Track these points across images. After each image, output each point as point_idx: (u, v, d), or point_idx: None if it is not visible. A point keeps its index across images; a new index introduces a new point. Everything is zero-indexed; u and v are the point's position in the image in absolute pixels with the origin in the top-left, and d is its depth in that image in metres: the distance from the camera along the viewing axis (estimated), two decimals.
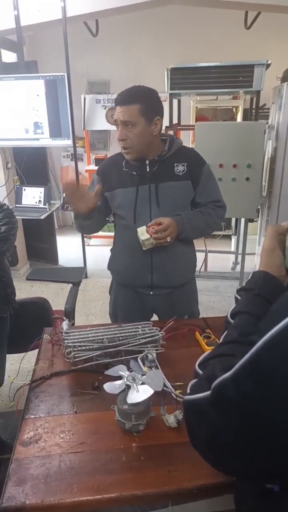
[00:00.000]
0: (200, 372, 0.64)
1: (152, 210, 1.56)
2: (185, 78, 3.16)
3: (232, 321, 0.72)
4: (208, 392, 0.55)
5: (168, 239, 1.48)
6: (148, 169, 1.55)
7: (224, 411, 0.53)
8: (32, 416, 1.10)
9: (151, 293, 1.67)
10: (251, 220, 3.59)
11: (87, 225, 1.62)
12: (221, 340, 0.70)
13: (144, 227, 1.51)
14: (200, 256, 3.83)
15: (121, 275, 1.73)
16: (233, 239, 4.44)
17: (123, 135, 1.46)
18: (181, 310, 1.70)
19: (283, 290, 0.74)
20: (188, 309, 1.75)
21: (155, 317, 1.82)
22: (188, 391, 0.63)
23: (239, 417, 0.51)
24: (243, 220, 3.56)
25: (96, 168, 1.51)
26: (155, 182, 1.54)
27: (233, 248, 4.38)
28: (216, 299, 3.54)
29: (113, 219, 1.76)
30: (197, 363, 0.68)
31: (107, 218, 1.72)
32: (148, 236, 1.48)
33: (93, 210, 1.54)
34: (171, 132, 3.52)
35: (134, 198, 1.55)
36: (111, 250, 1.78)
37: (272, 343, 0.48)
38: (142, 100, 1.42)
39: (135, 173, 1.56)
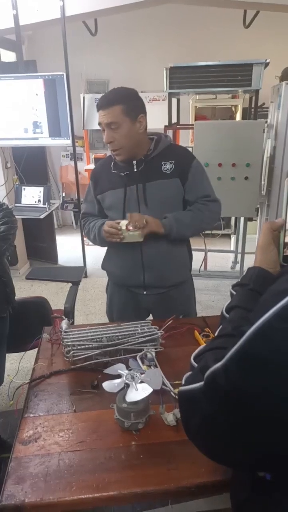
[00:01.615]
0: (195, 365, 0.65)
1: (141, 210, 1.55)
2: (184, 77, 3.16)
3: (227, 315, 0.73)
4: (202, 383, 0.57)
5: (144, 220, 1.47)
6: (135, 169, 1.55)
7: (215, 400, 0.54)
8: (32, 415, 1.10)
9: (145, 292, 1.67)
10: (250, 219, 3.60)
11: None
12: (216, 334, 0.71)
13: (125, 221, 1.52)
14: (199, 255, 3.85)
15: (115, 274, 1.74)
16: (233, 238, 4.44)
17: (110, 138, 1.46)
18: (176, 310, 1.63)
19: None
20: (183, 310, 1.73)
21: (150, 317, 1.82)
22: (183, 382, 0.64)
23: (230, 405, 0.52)
24: (242, 219, 3.56)
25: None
26: (142, 182, 1.54)
27: (232, 247, 4.38)
28: (215, 298, 3.55)
29: None
30: (192, 356, 0.69)
31: None
32: (125, 228, 1.50)
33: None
34: (170, 131, 3.52)
35: (122, 198, 1.56)
36: (106, 249, 1.79)
37: (259, 333, 0.48)
38: (123, 100, 1.43)
39: (123, 174, 1.56)
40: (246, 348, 0.50)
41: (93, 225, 1.67)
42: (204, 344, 0.71)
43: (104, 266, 1.78)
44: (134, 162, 1.54)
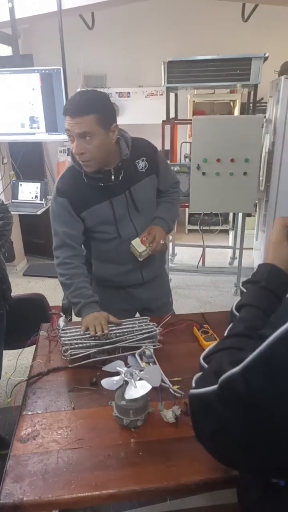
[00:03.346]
0: (205, 365, 0.64)
1: (132, 216, 1.52)
2: (182, 71, 3.13)
3: (237, 314, 0.71)
4: (215, 386, 0.55)
5: (162, 242, 1.50)
6: (113, 177, 1.44)
7: (232, 406, 0.53)
8: (30, 413, 1.09)
9: (140, 288, 1.67)
10: (249, 215, 3.59)
11: None
12: (226, 333, 0.69)
13: (138, 239, 1.51)
14: (198, 251, 3.84)
15: (111, 281, 1.64)
16: (231, 233, 4.43)
17: (82, 149, 1.31)
18: (165, 293, 1.79)
19: None
20: (167, 291, 1.83)
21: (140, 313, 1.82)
22: (193, 384, 0.62)
23: (247, 412, 0.51)
24: (240, 214, 3.55)
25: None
26: (127, 188, 1.48)
27: (230, 243, 4.37)
28: (213, 294, 3.54)
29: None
30: (201, 356, 0.67)
31: None
32: (145, 247, 1.50)
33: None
34: (167, 126, 3.50)
35: (111, 212, 1.47)
36: (91, 259, 1.62)
37: (284, 338, 0.47)
38: (97, 109, 1.29)
39: (101, 184, 1.44)
40: (269, 353, 0.48)
41: (79, 287, 1.45)
42: (214, 343, 0.69)
43: (96, 275, 1.64)
44: (112, 170, 1.43)
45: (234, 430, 0.53)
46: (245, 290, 0.75)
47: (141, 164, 1.50)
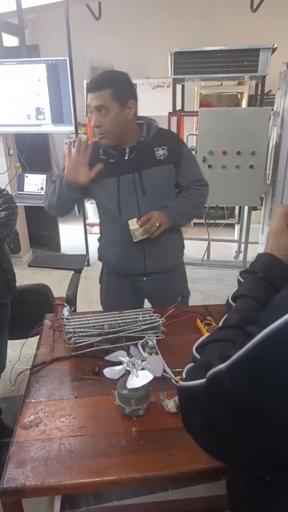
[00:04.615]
0: (197, 356, 0.63)
1: (139, 198, 1.54)
2: (189, 62, 3.10)
3: (233, 304, 0.69)
4: (203, 380, 0.54)
5: (157, 224, 1.48)
6: (127, 157, 1.51)
7: (218, 402, 0.52)
8: (33, 400, 1.10)
9: (144, 278, 1.68)
10: (255, 208, 3.56)
11: (70, 198, 1.56)
12: (220, 324, 0.68)
13: (135, 219, 1.51)
14: (203, 245, 3.84)
15: (114, 265, 1.71)
16: (237, 227, 4.41)
17: (98, 122, 1.42)
18: (174, 292, 1.72)
19: None
20: (180, 290, 1.78)
21: (147, 304, 1.82)
22: (184, 375, 0.62)
23: (233, 409, 0.50)
24: (246, 208, 3.53)
25: (68, 147, 1.49)
26: (138, 170, 1.51)
27: (236, 237, 4.35)
28: (218, 288, 3.54)
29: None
30: (194, 347, 0.66)
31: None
32: (138, 226, 1.49)
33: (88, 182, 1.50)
34: (174, 118, 3.48)
35: (116, 188, 1.52)
36: (98, 240, 1.75)
37: (270, 338, 0.46)
38: (113, 85, 1.40)
39: (112, 160, 1.52)
40: (254, 353, 0.47)
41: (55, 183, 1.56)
42: (207, 334, 0.69)
43: (101, 257, 1.75)
44: (127, 149, 1.50)
45: (221, 426, 0.52)
46: (242, 280, 0.73)
47: (160, 152, 1.53)
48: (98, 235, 1.75)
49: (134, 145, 1.50)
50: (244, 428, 0.50)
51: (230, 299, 0.71)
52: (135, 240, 1.53)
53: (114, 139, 1.47)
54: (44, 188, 3.78)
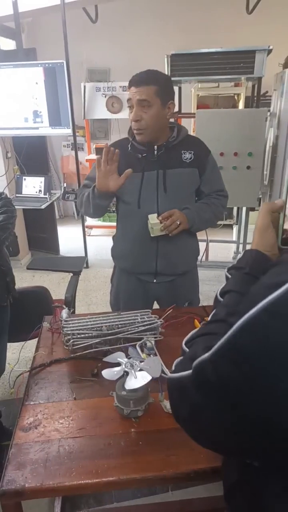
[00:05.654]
0: (187, 350, 0.65)
1: (159, 196, 1.56)
2: (185, 64, 3.11)
3: (221, 299, 0.72)
4: (190, 371, 0.56)
5: (177, 222, 1.49)
6: (155, 154, 1.54)
7: (203, 390, 0.54)
8: (32, 403, 1.11)
9: (155, 280, 1.68)
10: (252, 209, 3.57)
11: (104, 206, 1.59)
12: (209, 319, 0.70)
13: (155, 214, 1.52)
14: (201, 246, 3.82)
15: (125, 260, 1.72)
16: (235, 228, 4.42)
17: (138, 116, 1.45)
18: (182, 298, 1.72)
19: None
20: (189, 297, 1.77)
21: (155, 306, 1.82)
22: (173, 368, 0.63)
23: (218, 397, 0.51)
24: (244, 209, 3.54)
25: (97, 157, 1.48)
26: (163, 168, 1.54)
27: (234, 238, 4.36)
28: (217, 289, 3.53)
29: (114, 209, 1.74)
30: (184, 341, 0.68)
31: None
32: (158, 221, 1.49)
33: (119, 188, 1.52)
34: (171, 120, 3.48)
35: (139, 183, 1.55)
36: (113, 238, 1.78)
37: (247, 326, 0.47)
38: (158, 82, 1.43)
39: (140, 155, 1.55)
40: (233, 341, 0.49)
41: (88, 191, 1.59)
42: (196, 329, 0.70)
43: (114, 253, 1.77)
44: (156, 146, 1.53)
45: (207, 415, 0.54)
46: (230, 276, 0.76)
47: (187, 155, 1.56)
48: (100, 237, 1.75)
49: (162, 144, 1.54)
50: (229, 416, 0.51)
51: (218, 295, 0.74)
52: (152, 235, 1.53)
53: (150, 135, 1.49)
54: (42, 190, 3.78)
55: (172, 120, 1.56)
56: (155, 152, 1.54)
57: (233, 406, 0.50)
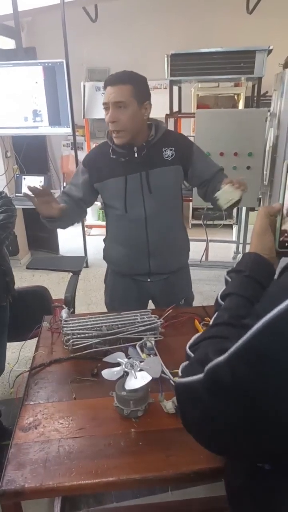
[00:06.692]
0: (192, 354, 0.64)
1: (145, 197, 1.55)
2: (185, 64, 3.11)
3: (222, 303, 0.71)
4: (201, 375, 0.55)
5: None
6: (136, 156, 1.52)
7: (218, 394, 0.53)
8: (32, 402, 1.10)
9: (149, 280, 1.68)
10: (252, 209, 3.57)
11: (55, 225, 1.63)
12: (211, 322, 0.69)
13: (228, 186, 1.39)
14: (201, 246, 3.84)
15: (118, 264, 1.72)
16: (235, 228, 4.42)
17: (114, 117, 1.41)
18: (178, 295, 1.73)
19: (273, 272, 0.74)
20: (184, 294, 1.78)
21: (151, 305, 1.82)
22: (180, 373, 0.62)
23: (233, 400, 0.51)
24: (244, 209, 3.54)
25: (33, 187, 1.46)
26: (145, 169, 1.53)
27: (234, 238, 4.36)
28: (217, 289, 3.54)
29: (103, 209, 1.75)
30: (188, 345, 0.67)
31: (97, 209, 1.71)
32: (240, 192, 1.38)
33: (60, 214, 1.50)
34: (171, 120, 3.48)
35: (123, 187, 1.54)
36: (104, 240, 1.77)
37: (269, 327, 0.47)
38: (134, 82, 1.42)
39: (123, 159, 1.53)
40: (253, 343, 0.48)
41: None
42: (200, 333, 0.70)
43: (106, 256, 1.77)
44: (135, 148, 1.51)
45: (221, 419, 0.53)
46: (230, 279, 0.76)
47: (168, 153, 1.54)
48: (100, 237, 1.76)
49: (142, 145, 1.52)
50: (244, 419, 0.51)
51: (219, 298, 0.74)
52: (224, 208, 1.42)
53: (128, 137, 1.47)
54: None
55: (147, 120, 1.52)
56: (136, 154, 1.51)
57: (249, 409, 0.49)
